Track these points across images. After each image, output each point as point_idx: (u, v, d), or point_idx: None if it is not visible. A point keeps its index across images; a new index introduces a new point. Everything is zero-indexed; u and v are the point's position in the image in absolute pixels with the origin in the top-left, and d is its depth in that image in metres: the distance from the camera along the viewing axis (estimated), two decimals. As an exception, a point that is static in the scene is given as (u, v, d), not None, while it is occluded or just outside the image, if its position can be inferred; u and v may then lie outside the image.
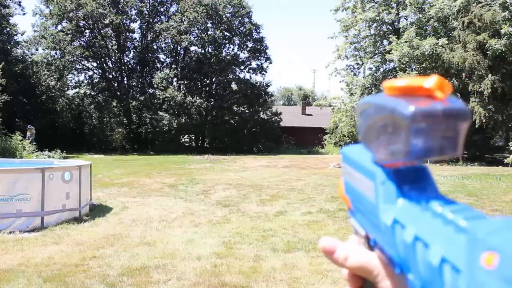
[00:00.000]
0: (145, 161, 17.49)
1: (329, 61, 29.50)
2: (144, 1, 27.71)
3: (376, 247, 0.34)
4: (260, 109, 28.42)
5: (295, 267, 4.23)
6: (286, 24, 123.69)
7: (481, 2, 16.98)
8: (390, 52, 19.13)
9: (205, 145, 28.30)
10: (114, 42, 27.53)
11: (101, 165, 14.14)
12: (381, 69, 22.44)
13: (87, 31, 26.91)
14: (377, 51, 22.80)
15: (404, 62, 18.63)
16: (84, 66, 28.22)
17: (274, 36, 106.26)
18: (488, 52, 16.56)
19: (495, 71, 16.78)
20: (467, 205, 0.28)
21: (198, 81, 28.79)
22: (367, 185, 0.34)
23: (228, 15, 27.48)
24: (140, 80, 28.19)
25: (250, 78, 29.09)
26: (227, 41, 28.07)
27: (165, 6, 28.78)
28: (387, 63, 21.64)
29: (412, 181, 0.32)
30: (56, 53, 26.25)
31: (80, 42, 27.01)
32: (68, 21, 25.87)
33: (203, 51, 27.94)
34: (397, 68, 19.65)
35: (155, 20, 28.28)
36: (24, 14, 27.97)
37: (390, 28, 22.33)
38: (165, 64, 29.04)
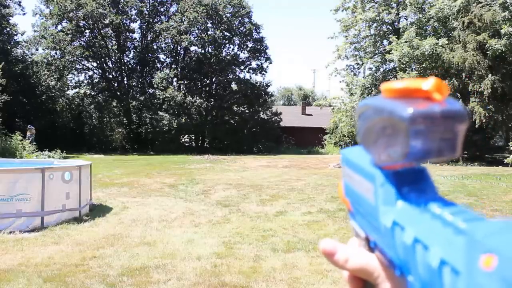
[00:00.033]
0: (145, 161, 17.49)
1: (329, 61, 29.54)
2: (144, 1, 27.69)
3: (376, 249, 0.34)
4: (260, 109, 28.39)
5: (295, 267, 4.23)
6: (286, 24, 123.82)
7: (481, 2, 16.97)
8: (390, 52, 19.12)
9: (205, 145, 28.28)
10: (114, 42, 27.52)
11: (101, 165, 14.14)
12: (381, 69, 22.42)
13: (87, 31, 26.89)
14: (377, 51, 22.78)
15: (404, 62, 18.63)
16: (84, 66, 28.22)
17: (274, 36, 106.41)
18: (488, 52, 16.55)
19: (495, 71, 16.77)
20: (466, 207, 0.28)
21: (198, 81, 28.77)
22: (366, 187, 0.34)
23: (228, 15, 27.46)
24: (140, 80, 28.18)
25: (250, 78, 29.10)
26: (227, 41, 28.06)
27: (165, 6, 28.77)
28: (387, 63, 21.62)
29: (411, 183, 0.32)
30: (56, 53, 26.24)
31: (80, 42, 26.99)
32: (68, 21, 25.86)
33: (203, 51, 27.92)
34: (397, 68, 19.65)
35: (155, 20, 28.26)
36: (24, 14, 27.97)
37: (390, 28, 22.32)
38: (165, 64, 29.03)
